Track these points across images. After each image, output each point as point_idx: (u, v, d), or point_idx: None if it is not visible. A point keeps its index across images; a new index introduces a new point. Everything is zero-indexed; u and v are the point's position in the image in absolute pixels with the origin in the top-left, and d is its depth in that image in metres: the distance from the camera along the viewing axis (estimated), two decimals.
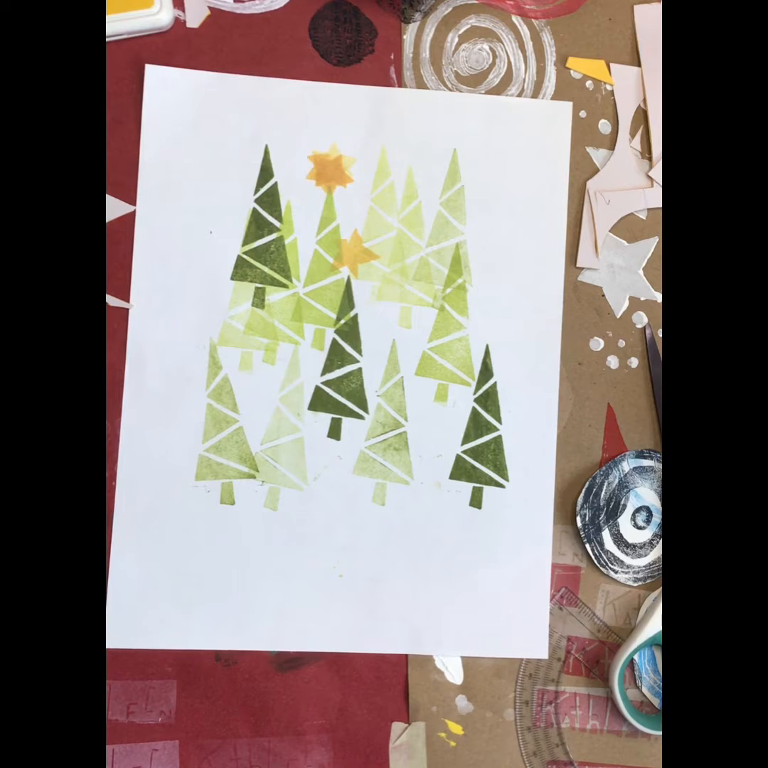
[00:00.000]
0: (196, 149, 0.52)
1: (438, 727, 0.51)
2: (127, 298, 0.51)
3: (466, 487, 0.52)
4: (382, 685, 0.51)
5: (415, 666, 0.51)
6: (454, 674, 0.51)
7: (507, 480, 0.52)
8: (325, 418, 0.52)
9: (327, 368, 0.52)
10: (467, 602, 0.51)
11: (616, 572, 0.52)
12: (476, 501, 0.52)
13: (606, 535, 0.52)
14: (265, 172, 0.52)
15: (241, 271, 0.52)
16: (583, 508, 0.52)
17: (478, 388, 0.53)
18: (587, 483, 0.52)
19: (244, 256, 0.52)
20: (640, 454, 0.52)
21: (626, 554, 0.52)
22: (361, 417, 0.52)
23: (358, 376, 0.52)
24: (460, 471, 0.52)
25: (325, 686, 0.51)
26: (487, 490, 0.52)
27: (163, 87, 0.52)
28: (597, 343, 0.53)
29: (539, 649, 0.52)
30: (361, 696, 0.51)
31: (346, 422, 0.52)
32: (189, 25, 0.52)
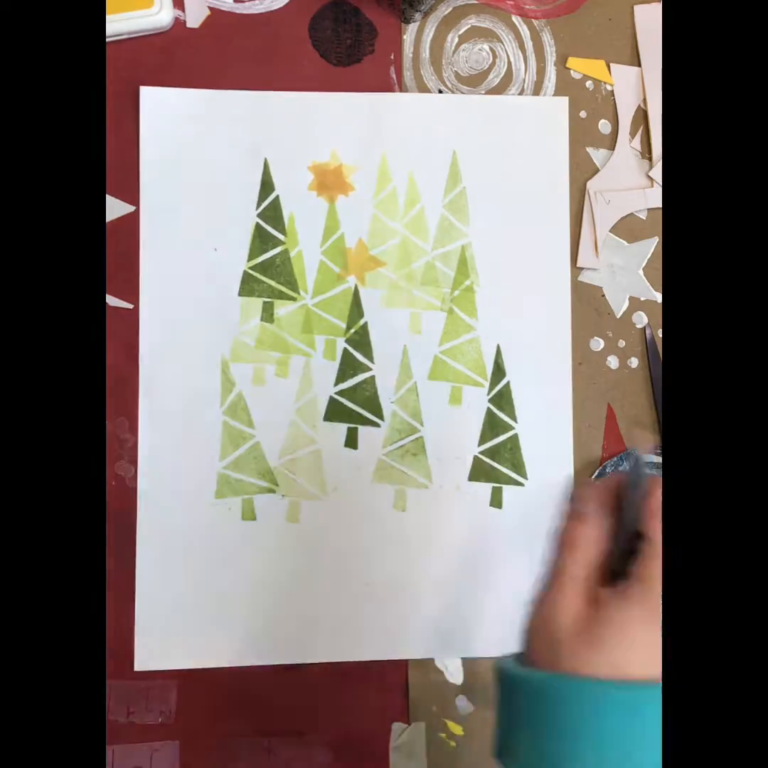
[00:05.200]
0: (196, 168, 0.51)
1: (438, 727, 0.51)
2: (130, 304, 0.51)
3: (486, 488, 0.52)
4: (382, 685, 0.51)
5: (415, 666, 0.51)
6: (454, 674, 0.51)
7: (525, 478, 0.52)
8: (341, 428, 0.52)
9: (340, 378, 0.52)
10: (495, 603, 0.51)
11: None
12: (496, 501, 0.52)
13: None
14: (266, 186, 0.52)
15: (248, 286, 0.52)
16: None
17: (491, 388, 0.53)
18: (597, 471, 0.52)
19: (250, 271, 0.52)
20: None
21: None
22: (376, 425, 0.52)
23: (371, 384, 0.52)
24: (479, 472, 0.52)
25: (325, 686, 0.51)
26: (507, 490, 0.52)
27: (159, 108, 0.51)
28: (597, 343, 0.53)
29: None
30: (361, 696, 0.51)
31: (363, 431, 0.52)
32: (189, 25, 0.52)
